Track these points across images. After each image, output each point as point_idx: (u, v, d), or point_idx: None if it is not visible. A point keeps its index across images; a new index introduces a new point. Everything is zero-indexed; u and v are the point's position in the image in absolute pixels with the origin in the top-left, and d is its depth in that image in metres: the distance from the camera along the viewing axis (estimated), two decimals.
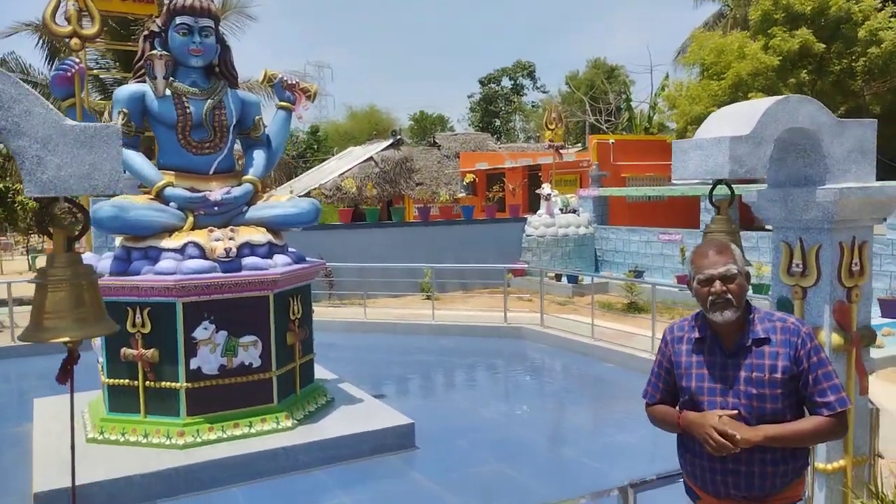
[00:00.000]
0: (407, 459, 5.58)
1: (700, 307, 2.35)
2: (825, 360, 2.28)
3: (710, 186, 2.88)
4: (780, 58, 16.23)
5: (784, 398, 2.25)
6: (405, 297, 12.84)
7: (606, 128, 31.69)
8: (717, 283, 2.26)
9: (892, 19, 16.21)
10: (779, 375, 2.24)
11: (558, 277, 13.99)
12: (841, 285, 2.90)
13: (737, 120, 2.66)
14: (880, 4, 16.77)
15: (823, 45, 16.27)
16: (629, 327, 9.47)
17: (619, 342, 8.74)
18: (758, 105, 2.69)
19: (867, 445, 3.14)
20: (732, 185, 2.85)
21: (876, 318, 9.21)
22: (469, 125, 46.99)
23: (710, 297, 2.27)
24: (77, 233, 2.31)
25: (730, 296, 2.25)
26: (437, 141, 26.74)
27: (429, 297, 11.79)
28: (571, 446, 6.24)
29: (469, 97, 48.83)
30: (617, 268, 15.20)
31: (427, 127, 45.59)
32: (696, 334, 2.38)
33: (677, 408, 2.43)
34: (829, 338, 2.89)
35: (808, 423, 2.25)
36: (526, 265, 14.13)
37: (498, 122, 47.17)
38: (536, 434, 6.43)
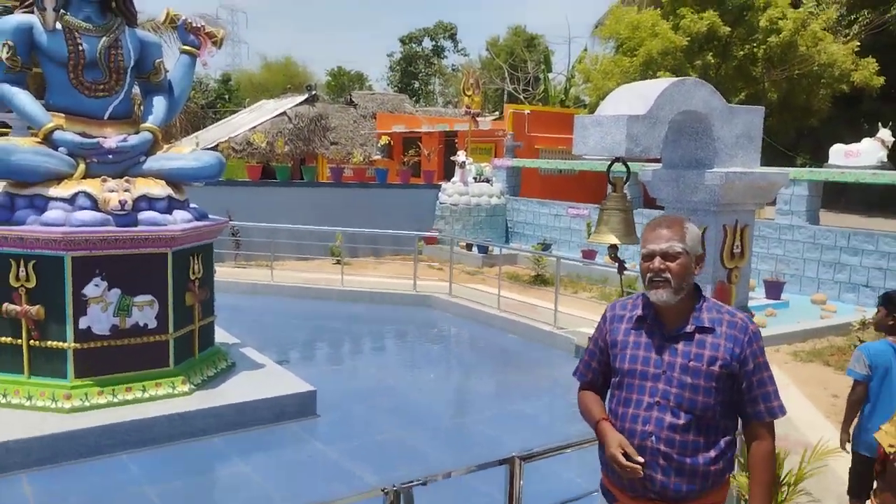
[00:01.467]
0: (307, 427, 5.55)
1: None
2: (767, 363, 2.20)
3: (608, 163, 2.96)
4: (689, 38, 16.80)
5: (717, 393, 2.13)
6: (314, 261, 12.65)
7: (524, 98, 32.01)
8: (657, 260, 2.15)
9: (790, 9, 17.04)
10: (717, 368, 2.12)
11: (469, 247, 14.14)
12: (723, 266, 3.06)
13: (635, 99, 2.73)
14: None
15: (729, 29, 16.95)
16: (534, 299, 9.71)
17: (524, 314, 8.96)
18: (655, 86, 2.77)
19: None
20: (628, 163, 2.94)
21: (761, 299, 9.85)
22: (388, 85, 46.32)
23: (649, 274, 2.17)
24: None
25: (668, 275, 2.13)
26: (353, 99, 26.18)
27: (339, 262, 11.67)
28: (472, 415, 6.39)
29: (389, 56, 48.00)
30: (527, 240, 15.51)
31: (345, 84, 44.57)
32: (639, 311, 2.25)
33: (609, 391, 2.34)
34: None
35: (757, 468, 2.19)
36: (438, 233, 14.19)
37: (417, 84, 46.70)
38: (438, 402, 6.55)
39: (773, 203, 11.68)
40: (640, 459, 2.13)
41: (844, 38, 19.23)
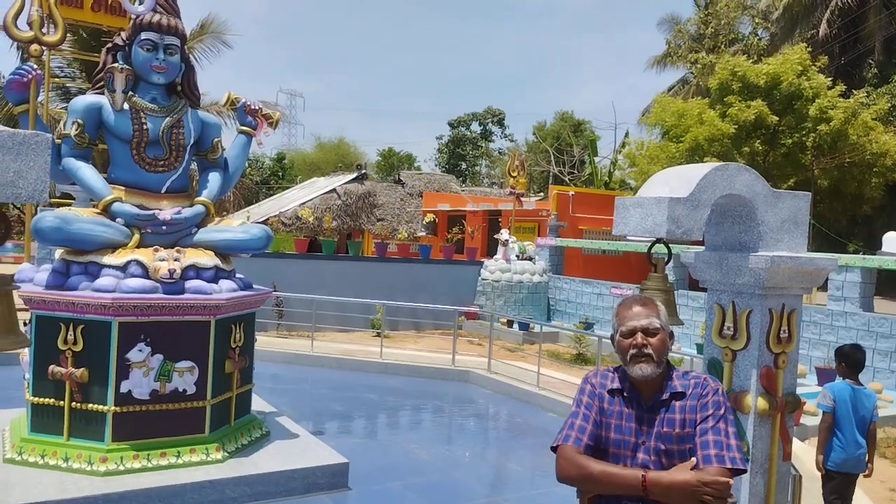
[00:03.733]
0: (338, 500, 5.44)
1: (621, 361, 2.34)
2: (727, 417, 2.23)
3: (650, 244, 2.94)
4: (736, 126, 16.87)
5: (693, 453, 2.21)
6: (355, 333, 12.71)
7: (569, 180, 32.33)
8: (640, 336, 2.26)
9: (840, 98, 17.03)
10: (688, 430, 2.22)
11: (510, 324, 14.04)
12: (769, 351, 2.96)
13: (677, 182, 2.74)
14: (830, 83, 17.62)
15: (777, 118, 16.98)
16: (574, 378, 9.50)
17: (563, 392, 8.76)
18: (698, 170, 2.78)
19: None
20: (671, 245, 2.92)
21: (812, 386, 9.45)
22: (436, 165, 47.46)
23: (632, 350, 2.26)
24: None
25: (650, 350, 2.24)
26: (401, 178, 26.87)
27: (378, 334, 11.69)
28: (507, 494, 6.18)
29: (438, 138, 49.41)
30: (568, 318, 15.34)
31: (394, 164, 45.86)
32: (616, 385, 2.34)
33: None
34: (755, 402, 2.94)
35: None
36: (479, 309, 14.15)
37: (464, 165, 47.73)
38: (473, 480, 6.36)
39: (825, 289, 11.36)
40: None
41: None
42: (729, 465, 2.13)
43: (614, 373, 2.40)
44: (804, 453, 6.37)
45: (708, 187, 2.75)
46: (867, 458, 4.64)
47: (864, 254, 16.41)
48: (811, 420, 7.76)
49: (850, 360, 4.76)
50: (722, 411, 2.24)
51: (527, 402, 8.94)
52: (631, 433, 2.27)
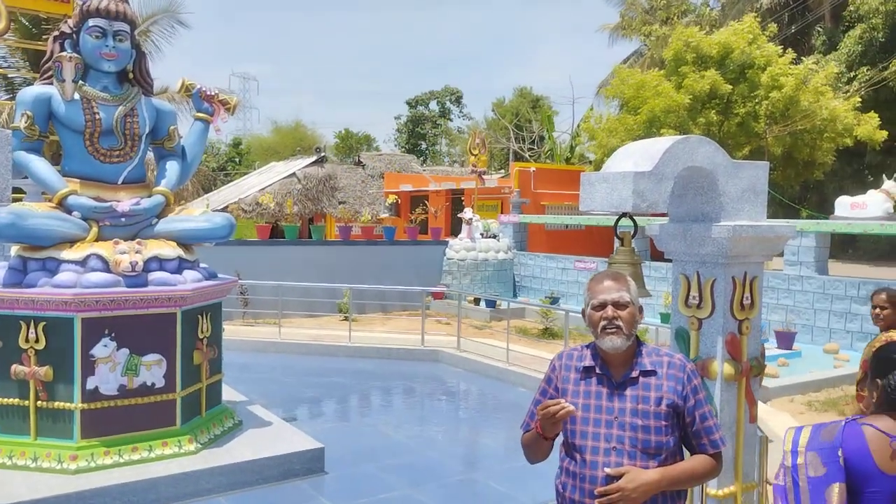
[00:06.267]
0: (315, 485, 5.45)
1: (591, 334, 2.39)
2: (707, 399, 2.37)
3: (616, 218, 2.99)
4: (691, 97, 17.10)
5: (669, 431, 2.28)
6: (322, 318, 12.64)
7: (529, 156, 32.47)
8: (610, 308, 2.31)
9: (791, 66, 17.37)
10: (664, 408, 2.27)
11: (477, 302, 14.12)
12: (733, 318, 3.05)
13: (640, 156, 2.78)
14: (781, 51, 17.96)
15: (730, 87, 17.26)
16: (543, 352, 9.64)
17: (533, 367, 8.88)
18: (660, 143, 2.82)
19: (756, 472, 3.30)
20: (636, 218, 2.97)
21: (772, 349, 9.74)
22: (395, 146, 47.13)
23: (602, 322, 2.31)
24: None
25: (620, 322, 2.29)
26: (361, 160, 26.66)
27: (346, 318, 11.66)
28: (482, 470, 6.27)
29: (396, 118, 49.05)
30: (534, 294, 15.49)
31: (353, 146, 45.41)
32: (587, 362, 2.38)
33: (561, 439, 2.41)
34: (721, 367, 3.03)
35: (697, 461, 2.32)
36: (445, 288, 14.20)
37: (424, 145, 47.51)
38: (448, 458, 6.43)
39: (781, 254, 11.67)
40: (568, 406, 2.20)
41: (845, 94, 19.53)
42: (722, 448, 2.35)
43: (585, 349, 2.44)
44: (767, 415, 6.60)
45: (671, 160, 2.79)
46: None
47: (817, 219, 16.90)
48: (772, 382, 8.03)
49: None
50: (702, 395, 2.35)
51: (497, 378, 9.04)
52: (601, 410, 2.31)
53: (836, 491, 1.96)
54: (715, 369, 3.04)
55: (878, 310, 4.40)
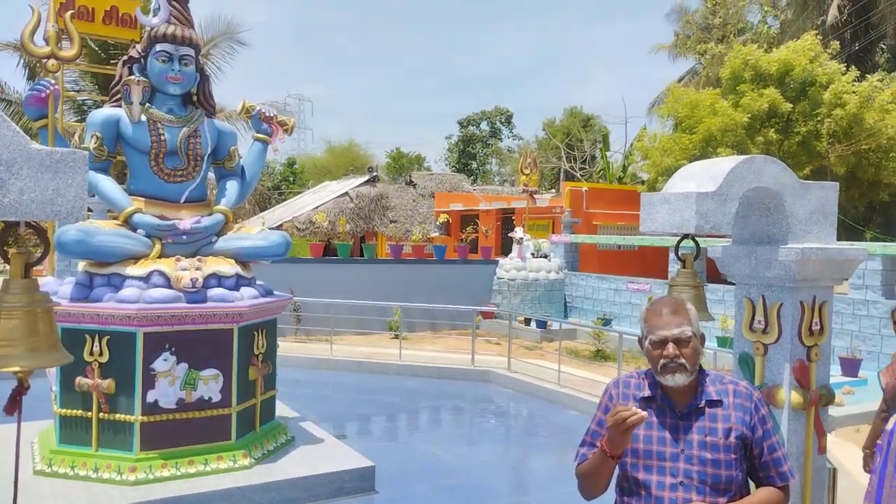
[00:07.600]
0: (365, 503, 5.45)
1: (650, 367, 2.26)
2: (774, 428, 2.26)
3: (677, 240, 2.92)
4: (749, 116, 16.70)
5: (737, 464, 2.16)
6: (373, 336, 12.73)
7: (581, 175, 32.22)
8: (671, 346, 2.16)
9: (855, 83, 16.83)
10: (733, 440, 2.15)
11: (527, 322, 14.00)
12: (801, 344, 2.93)
13: (703, 177, 2.71)
14: (844, 68, 17.42)
15: (790, 106, 16.80)
16: (595, 375, 9.47)
17: (585, 389, 8.72)
18: (724, 163, 2.75)
19: None
20: (698, 240, 2.90)
21: (836, 377, 9.36)
22: (446, 166, 47.41)
23: (663, 361, 2.16)
24: (36, 258, 2.25)
25: (683, 360, 2.15)
26: (413, 179, 26.88)
27: (397, 336, 11.70)
28: (531, 494, 6.18)
29: (447, 138, 49.35)
30: (586, 314, 15.28)
31: (404, 165, 45.87)
32: (646, 392, 2.25)
33: (620, 473, 2.27)
34: (789, 396, 2.91)
35: (766, 495, 2.20)
36: (495, 308, 14.13)
37: (475, 165, 47.66)
38: (497, 480, 6.35)
39: (846, 278, 11.24)
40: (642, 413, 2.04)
41: None
42: (791, 479, 2.23)
43: (643, 378, 2.31)
44: (833, 445, 6.31)
45: (736, 181, 2.72)
46: None
47: (882, 241, 16.24)
48: (837, 411, 7.69)
49: None
50: (770, 424, 2.24)
51: (548, 400, 8.92)
52: (666, 443, 2.17)
53: None
54: (782, 397, 2.92)
55: None
